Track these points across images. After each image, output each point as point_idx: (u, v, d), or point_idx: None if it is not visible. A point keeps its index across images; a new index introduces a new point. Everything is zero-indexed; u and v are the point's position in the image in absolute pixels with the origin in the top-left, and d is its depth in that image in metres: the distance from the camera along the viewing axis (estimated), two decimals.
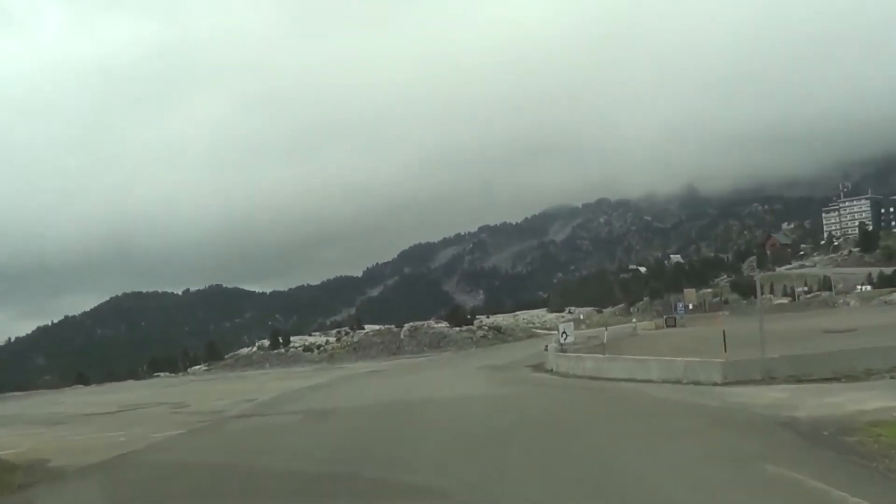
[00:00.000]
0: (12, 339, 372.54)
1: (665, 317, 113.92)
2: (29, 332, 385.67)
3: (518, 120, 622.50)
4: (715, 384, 34.73)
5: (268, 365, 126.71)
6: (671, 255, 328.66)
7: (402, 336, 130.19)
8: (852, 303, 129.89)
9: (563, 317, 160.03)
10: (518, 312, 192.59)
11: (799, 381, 32.87)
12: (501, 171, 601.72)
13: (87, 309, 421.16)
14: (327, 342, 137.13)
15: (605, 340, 61.81)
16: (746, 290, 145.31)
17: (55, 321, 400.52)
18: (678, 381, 37.12)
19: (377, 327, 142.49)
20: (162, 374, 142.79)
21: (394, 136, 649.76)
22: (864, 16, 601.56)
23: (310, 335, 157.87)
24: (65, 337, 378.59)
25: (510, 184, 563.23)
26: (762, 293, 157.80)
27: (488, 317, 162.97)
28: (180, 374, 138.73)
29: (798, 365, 35.01)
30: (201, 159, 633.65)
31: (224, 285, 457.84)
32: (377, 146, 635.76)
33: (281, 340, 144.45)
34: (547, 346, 66.28)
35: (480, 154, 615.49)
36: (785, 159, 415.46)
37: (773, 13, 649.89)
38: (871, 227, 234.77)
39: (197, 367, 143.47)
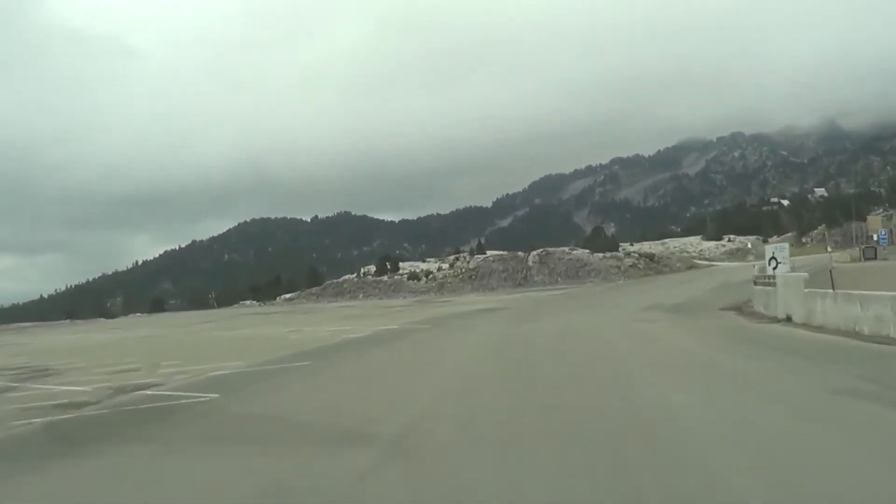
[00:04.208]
0: (139, 263, 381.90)
1: (863, 247, 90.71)
2: (156, 255, 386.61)
3: (653, 50, 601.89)
4: None
5: (361, 295, 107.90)
6: (815, 189, 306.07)
7: (529, 262, 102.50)
8: None
9: (722, 245, 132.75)
10: (666, 240, 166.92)
11: None
12: (635, 102, 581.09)
13: (216, 234, 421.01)
14: (439, 269, 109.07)
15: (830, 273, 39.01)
16: None
17: (182, 246, 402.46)
18: None
19: (500, 253, 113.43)
20: (248, 302, 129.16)
21: (528, 66, 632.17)
22: None
23: (423, 261, 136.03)
24: (191, 261, 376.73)
25: (644, 116, 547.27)
26: None
27: (632, 244, 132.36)
28: (267, 302, 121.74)
29: None
30: (336, 86, 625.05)
31: (353, 213, 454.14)
32: (511, 75, 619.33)
33: (389, 266, 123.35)
34: (755, 276, 45.45)
35: (614, 85, 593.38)
36: None
37: None
38: None
39: (289, 294, 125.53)
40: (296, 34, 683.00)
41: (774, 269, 41.57)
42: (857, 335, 25.92)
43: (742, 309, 41.79)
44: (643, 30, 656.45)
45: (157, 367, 29.21)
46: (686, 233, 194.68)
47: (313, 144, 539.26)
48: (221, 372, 25.88)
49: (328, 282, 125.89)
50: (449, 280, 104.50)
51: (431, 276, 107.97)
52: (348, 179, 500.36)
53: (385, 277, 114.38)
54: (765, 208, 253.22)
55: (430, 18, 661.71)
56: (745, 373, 19.15)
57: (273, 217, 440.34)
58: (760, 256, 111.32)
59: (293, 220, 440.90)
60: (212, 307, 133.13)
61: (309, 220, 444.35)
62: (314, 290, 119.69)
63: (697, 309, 44.47)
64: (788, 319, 33.14)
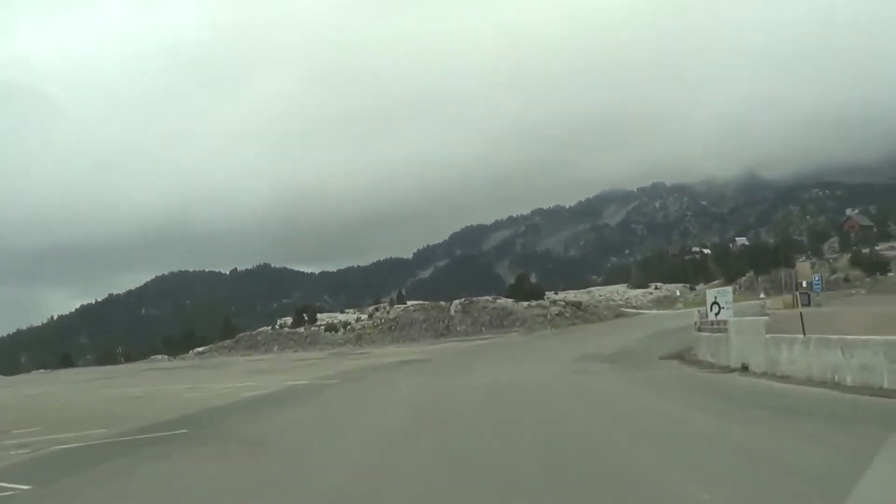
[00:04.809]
0: (55, 318, 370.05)
1: (798, 293, 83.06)
2: (73, 310, 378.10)
3: (574, 102, 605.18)
4: None
5: (276, 347, 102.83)
6: (736, 238, 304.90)
7: (452, 312, 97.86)
8: None
9: (649, 293, 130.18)
10: (591, 289, 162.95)
11: None
12: (556, 153, 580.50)
13: (133, 288, 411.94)
14: (358, 319, 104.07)
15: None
16: (870, 266, 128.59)
17: (99, 300, 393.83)
18: None
19: (421, 303, 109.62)
20: (159, 356, 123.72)
21: (451, 118, 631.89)
22: None
23: (341, 312, 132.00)
24: (108, 315, 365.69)
25: (565, 167, 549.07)
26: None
27: (556, 293, 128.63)
28: (177, 357, 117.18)
29: None
30: (260, 139, 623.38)
31: (272, 265, 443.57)
32: (434, 127, 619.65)
33: (306, 318, 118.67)
34: (699, 322, 42.58)
35: (535, 136, 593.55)
36: (846, 145, 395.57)
37: None
38: None
39: (201, 348, 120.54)
40: (220, 87, 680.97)
41: (717, 314, 39.19)
42: (836, 386, 22.68)
43: (684, 357, 39.16)
44: (564, 81, 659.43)
45: (6, 435, 25.13)
46: (607, 282, 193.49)
47: (235, 196, 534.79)
48: (73, 445, 21.97)
49: (241, 334, 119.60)
50: (368, 331, 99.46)
51: (349, 327, 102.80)
52: (269, 231, 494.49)
53: (301, 329, 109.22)
54: (687, 257, 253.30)
55: (354, 72, 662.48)
56: (748, 443, 14.98)
57: (191, 270, 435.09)
58: (689, 304, 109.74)
59: (212, 272, 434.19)
60: (119, 363, 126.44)
61: (228, 273, 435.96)
62: (226, 343, 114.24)
63: (637, 358, 41.74)
64: (745, 369, 29.83)
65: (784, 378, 25.70)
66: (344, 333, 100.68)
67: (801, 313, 28.60)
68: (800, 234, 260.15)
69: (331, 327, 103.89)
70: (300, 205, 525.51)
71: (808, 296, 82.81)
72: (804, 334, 25.95)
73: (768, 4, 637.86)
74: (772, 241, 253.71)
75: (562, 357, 45.59)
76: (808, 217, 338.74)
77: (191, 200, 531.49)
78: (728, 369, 30.83)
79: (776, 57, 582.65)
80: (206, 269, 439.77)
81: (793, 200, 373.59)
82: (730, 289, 48.27)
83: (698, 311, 50.11)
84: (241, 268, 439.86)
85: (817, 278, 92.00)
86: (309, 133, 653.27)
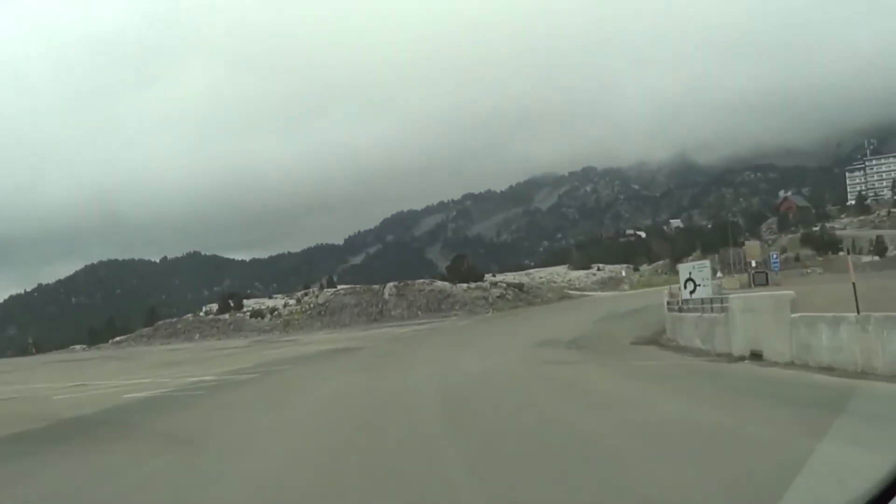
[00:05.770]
0: None
1: (753, 272, 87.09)
2: (1, 300, 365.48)
3: (504, 86, 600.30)
4: None
5: (198, 335, 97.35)
6: (671, 221, 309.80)
7: (385, 296, 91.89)
8: None
9: (593, 274, 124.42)
10: (530, 271, 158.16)
11: None
12: (487, 138, 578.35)
13: (63, 277, 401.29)
14: (285, 305, 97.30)
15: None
16: (821, 245, 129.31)
17: (28, 289, 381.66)
18: None
19: (352, 286, 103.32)
20: (78, 346, 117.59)
21: (381, 103, 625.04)
22: None
23: (270, 297, 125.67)
24: (38, 305, 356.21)
25: (496, 151, 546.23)
26: (857, 251, 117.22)
27: (494, 275, 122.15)
28: (94, 347, 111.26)
29: None
30: (190, 127, 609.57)
31: (202, 252, 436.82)
32: (364, 113, 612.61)
33: (232, 304, 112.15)
34: (680, 302, 37.91)
35: (466, 121, 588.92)
36: (779, 129, 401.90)
37: None
38: None
39: (121, 337, 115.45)
40: (147, 76, 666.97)
41: (692, 292, 35.51)
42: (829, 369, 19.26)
43: (660, 342, 34.39)
44: (494, 66, 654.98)
45: None
46: (542, 265, 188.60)
47: (166, 185, 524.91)
48: None
49: (160, 322, 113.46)
50: (296, 317, 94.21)
51: (276, 312, 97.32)
52: (199, 219, 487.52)
53: (226, 316, 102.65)
54: (622, 240, 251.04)
55: (283, 58, 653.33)
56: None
57: (121, 259, 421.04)
58: (636, 286, 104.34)
59: (142, 261, 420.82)
60: (30, 353, 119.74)
61: (158, 261, 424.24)
62: (145, 331, 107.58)
63: (604, 344, 36.21)
64: (756, 356, 23.80)
65: (826, 370, 19.48)
66: (270, 320, 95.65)
67: (853, 283, 21.95)
68: (733, 216, 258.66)
69: (257, 313, 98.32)
70: (230, 192, 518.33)
71: (766, 274, 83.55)
72: (858, 312, 19.65)
73: None
74: (706, 223, 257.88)
75: (517, 343, 40.36)
76: (741, 200, 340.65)
77: (120, 190, 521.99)
78: (731, 357, 25.11)
79: (708, 41, 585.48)
80: (137, 258, 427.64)
81: (725, 184, 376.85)
82: (707, 263, 42.89)
83: (669, 289, 46.41)
84: (171, 256, 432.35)
85: (775, 256, 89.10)
86: (238, 120, 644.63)
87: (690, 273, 37.01)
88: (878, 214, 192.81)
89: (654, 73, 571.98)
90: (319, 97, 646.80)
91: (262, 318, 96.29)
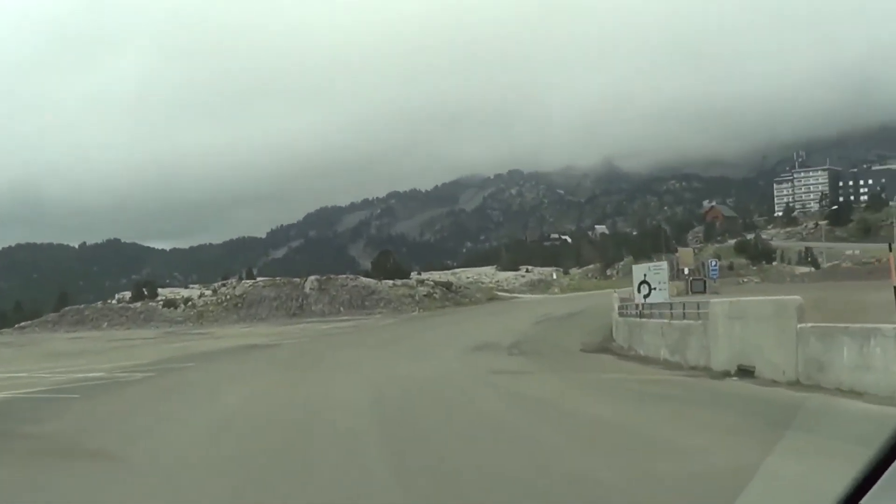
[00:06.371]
0: None
1: (691, 279, 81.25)
2: None
3: (433, 85, 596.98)
4: None
5: (106, 324, 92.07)
6: (596, 226, 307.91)
7: (307, 289, 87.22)
8: None
9: (521, 276, 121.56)
10: (456, 270, 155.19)
11: None
12: (414, 137, 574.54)
13: None
14: (201, 295, 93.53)
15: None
16: (756, 254, 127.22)
17: None
18: None
19: (272, 279, 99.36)
20: None
21: (310, 97, 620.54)
22: None
23: (185, 288, 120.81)
24: None
25: (422, 151, 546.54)
26: (779, 260, 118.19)
27: (419, 273, 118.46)
28: (2, 331, 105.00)
29: None
30: (120, 113, 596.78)
31: (122, 240, 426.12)
32: (293, 106, 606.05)
33: (146, 293, 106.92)
34: (638, 307, 33.97)
35: (393, 119, 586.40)
36: (705, 139, 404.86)
37: None
38: (827, 200, 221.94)
39: (25, 322, 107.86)
40: (80, 60, 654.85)
41: (646, 296, 32.86)
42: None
43: (613, 350, 31.53)
44: (423, 66, 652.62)
45: None
46: (466, 265, 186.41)
47: (88, 170, 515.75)
48: None
49: (67, 308, 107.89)
50: (211, 308, 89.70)
51: (191, 303, 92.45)
52: (121, 206, 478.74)
53: (138, 305, 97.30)
54: (546, 243, 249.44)
55: (216, 48, 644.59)
56: None
57: (39, 242, 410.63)
58: (566, 289, 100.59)
59: (61, 246, 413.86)
60: None
61: (77, 247, 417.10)
62: (51, 317, 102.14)
63: (550, 350, 33.41)
64: (747, 373, 19.69)
65: (850, 394, 15.56)
66: (184, 310, 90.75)
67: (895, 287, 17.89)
68: (658, 224, 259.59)
69: (170, 303, 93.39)
70: (154, 180, 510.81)
71: (704, 282, 78.55)
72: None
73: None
74: (630, 230, 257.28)
75: (453, 346, 36.46)
76: (665, 208, 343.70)
77: (41, 173, 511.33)
78: (712, 373, 21.15)
79: (638, 49, 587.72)
80: (56, 243, 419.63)
81: (650, 191, 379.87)
82: (664, 264, 39.27)
83: (616, 293, 46.47)
84: (90, 242, 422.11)
85: (714, 264, 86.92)
86: (167, 108, 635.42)
87: (645, 275, 34.02)
88: (806, 226, 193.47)
89: (584, 79, 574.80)
90: (248, 88, 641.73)
91: (176, 308, 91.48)
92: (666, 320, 27.72)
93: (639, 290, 33.62)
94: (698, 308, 26.47)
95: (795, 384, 17.29)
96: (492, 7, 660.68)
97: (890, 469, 3.54)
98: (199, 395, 23.23)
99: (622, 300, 38.89)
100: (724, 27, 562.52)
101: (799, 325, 18.12)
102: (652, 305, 31.74)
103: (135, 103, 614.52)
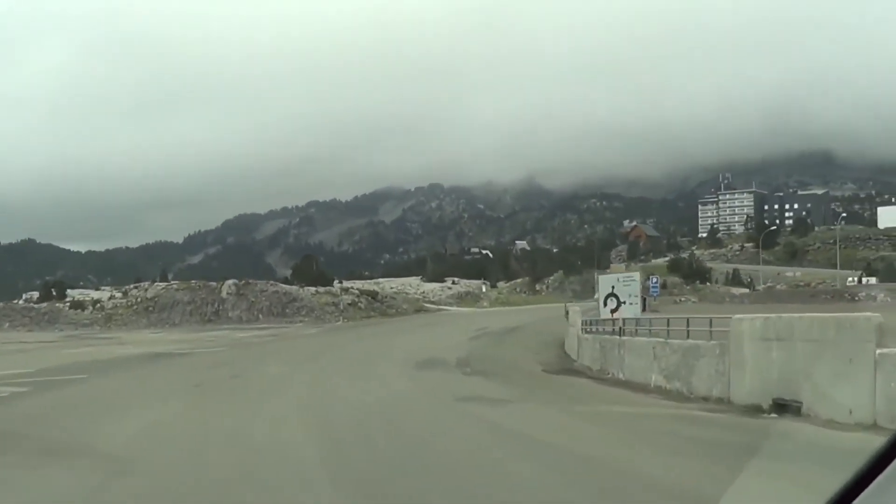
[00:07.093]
0: None
1: None
2: None
3: (357, 96, 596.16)
4: None
5: (7, 324, 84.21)
6: (516, 242, 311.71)
7: (224, 294, 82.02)
8: (881, 296, 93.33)
9: (448, 288, 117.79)
10: (380, 280, 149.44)
11: None
12: (335, 146, 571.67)
13: None
14: (111, 297, 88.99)
15: None
16: (689, 273, 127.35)
17: None
18: None
19: (186, 283, 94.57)
20: None
21: (233, 103, 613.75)
22: (719, 19, 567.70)
23: (96, 290, 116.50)
24: None
25: (343, 161, 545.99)
26: (714, 281, 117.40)
27: (341, 282, 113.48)
28: None
29: None
30: (38, 111, 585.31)
31: (37, 241, 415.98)
32: (216, 112, 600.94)
33: (55, 293, 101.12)
34: (621, 324, 29.05)
35: (315, 128, 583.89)
36: (626, 160, 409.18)
37: (632, 9, 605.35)
38: (753, 223, 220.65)
39: None
40: (1, 52, 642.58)
41: (614, 310, 29.23)
42: None
43: (581, 371, 27.94)
44: (347, 77, 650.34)
45: None
46: (385, 276, 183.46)
47: (6, 169, 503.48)
48: None
49: None
50: (120, 311, 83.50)
51: (100, 305, 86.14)
52: (36, 206, 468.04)
53: (44, 305, 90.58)
54: (466, 257, 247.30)
55: (138, 49, 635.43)
56: None
57: None
58: (494, 303, 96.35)
59: None
60: None
61: None
62: None
63: (508, 370, 28.71)
64: (791, 409, 15.26)
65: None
66: (92, 313, 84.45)
67: None
68: (579, 242, 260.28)
69: (77, 305, 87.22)
70: (71, 181, 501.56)
71: (644, 300, 73.24)
72: None
73: (556, 14, 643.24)
74: (550, 247, 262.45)
75: (392, 361, 31.48)
76: (585, 226, 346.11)
77: None
78: (735, 407, 16.89)
79: (563, 67, 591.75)
80: None
81: (571, 209, 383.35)
82: (636, 275, 35.39)
83: (566, 305, 46.00)
84: (4, 241, 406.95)
85: (655, 281, 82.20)
86: (85, 109, 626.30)
87: (614, 287, 30.24)
88: (732, 248, 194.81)
89: (508, 95, 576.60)
90: (170, 92, 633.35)
91: (83, 310, 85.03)
92: (660, 339, 22.92)
93: (605, 304, 29.99)
94: (688, 325, 22.96)
95: (872, 427, 13.08)
96: (418, 21, 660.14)
97: (885, 472, 3.47)
98: (70, 431, 15.90)
99: (584, 314, 35.36)
100: (649, 50, 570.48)
101: (878, 351, 13.77)
102: (638, 322, 28.59)
103: (56, 99, 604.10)
